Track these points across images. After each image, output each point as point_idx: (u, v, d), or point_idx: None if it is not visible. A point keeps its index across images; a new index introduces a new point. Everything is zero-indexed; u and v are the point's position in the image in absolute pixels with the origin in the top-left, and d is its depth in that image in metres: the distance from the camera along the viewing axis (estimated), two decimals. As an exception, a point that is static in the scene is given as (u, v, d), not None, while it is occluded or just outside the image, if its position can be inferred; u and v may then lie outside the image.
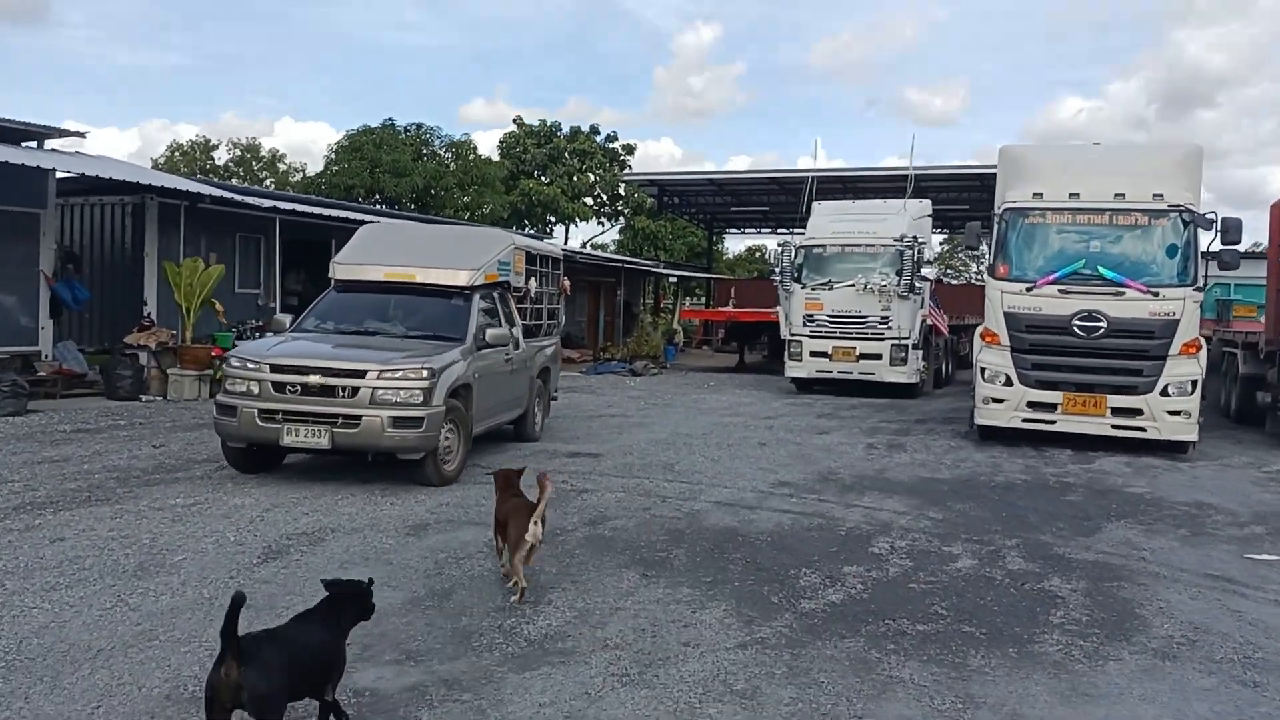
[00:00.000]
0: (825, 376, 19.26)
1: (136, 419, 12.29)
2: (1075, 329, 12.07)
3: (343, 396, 8.10)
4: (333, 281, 10.29)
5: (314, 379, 8.09)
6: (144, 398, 14.31)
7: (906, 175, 22.66)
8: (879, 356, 18.80)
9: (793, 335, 19.45)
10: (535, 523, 5.34)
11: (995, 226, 12.85)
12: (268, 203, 16.83)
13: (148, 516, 7.12)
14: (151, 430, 11.40)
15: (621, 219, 39.45)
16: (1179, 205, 12.06)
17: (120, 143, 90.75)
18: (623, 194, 37.82)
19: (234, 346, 17.25)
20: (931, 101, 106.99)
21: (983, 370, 12.71)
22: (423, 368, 8.31)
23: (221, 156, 50.31)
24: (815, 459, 11.15)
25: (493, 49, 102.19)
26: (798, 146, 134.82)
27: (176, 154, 49.38)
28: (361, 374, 8.15)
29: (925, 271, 19.61)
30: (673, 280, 39.00)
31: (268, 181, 47.06)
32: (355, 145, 30.29)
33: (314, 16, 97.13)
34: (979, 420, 12.78)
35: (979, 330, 13.21)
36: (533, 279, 11.66)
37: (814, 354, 19.15)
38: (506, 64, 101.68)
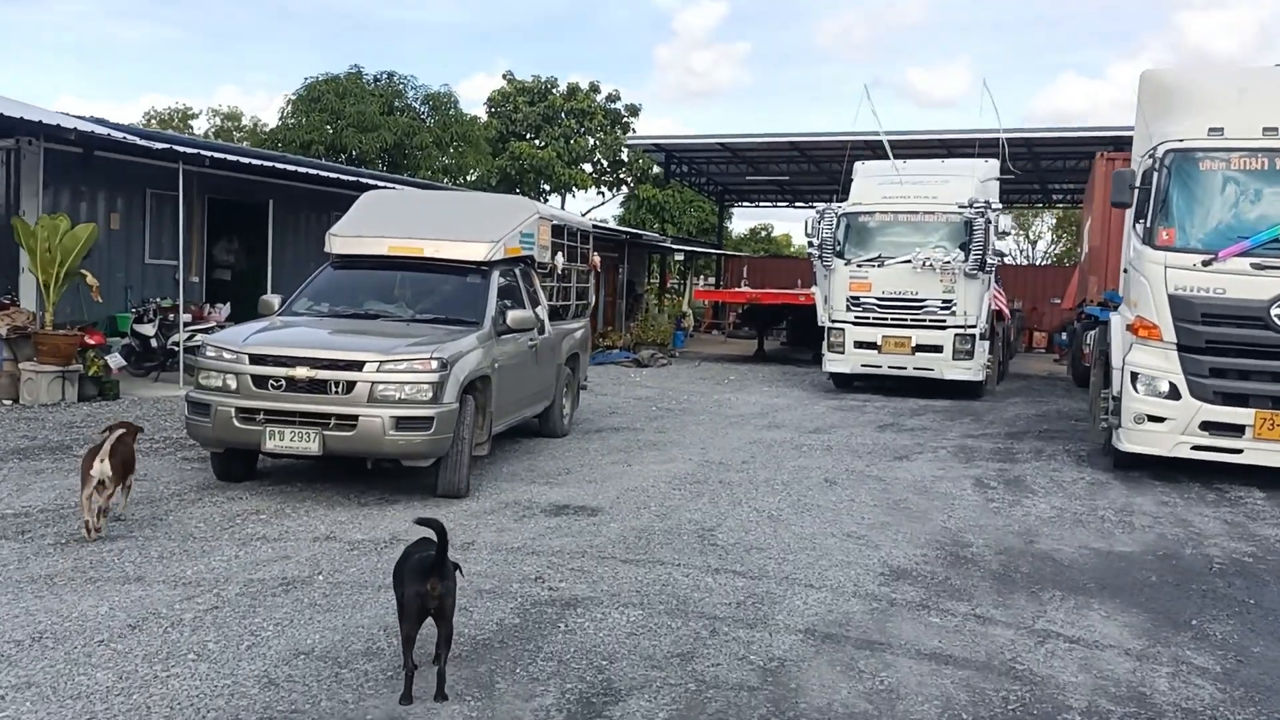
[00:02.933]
0: (873, 372, 15.72)
1: (-63, 440, 8.66)
2: (1277, 320, 8.48)
3: (336, 393, 6.93)
4: (329, 256, 9.06)
5: (301, 371, 6.90)
6: (-13, 402, 10.69)
7: (979, 139, 18.49)
8: (939, 349, 15.28)
9: (833, 321, 15.86)
10: (101, 460, 5.55)
11: (1151, 176, 9.20)
12: (160, 145, 12.94)
13: None
14: (-64, 462, 7.76)
15: (624, 187, 35.39)
16: None
17: (117, 117, 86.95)
18: (625, 160, 33.84)
19: (131, 331, 14.09)
20: (934, 82, 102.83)
21: (1134, 376, 9.07)
22: (431, 358, 7.12)
23: (201, 126, 46.85)
24: (917, 510, 7.56)
25: (492, 25, 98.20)
26: (800, 126, 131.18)
27: (154, 122, 45.75)
28: (359, 365, 6.97)
29: (999, 245, 15.97)
30: (679, 257, 35.25)
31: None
32: (314, 96, 26.23)
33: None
34: (1128, 445, 9.14)
35: (1122, 321, 9.60)
36: (559, 254, 10.46)
37: (859, 344, 15.59)
38: (505, 40, 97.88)
